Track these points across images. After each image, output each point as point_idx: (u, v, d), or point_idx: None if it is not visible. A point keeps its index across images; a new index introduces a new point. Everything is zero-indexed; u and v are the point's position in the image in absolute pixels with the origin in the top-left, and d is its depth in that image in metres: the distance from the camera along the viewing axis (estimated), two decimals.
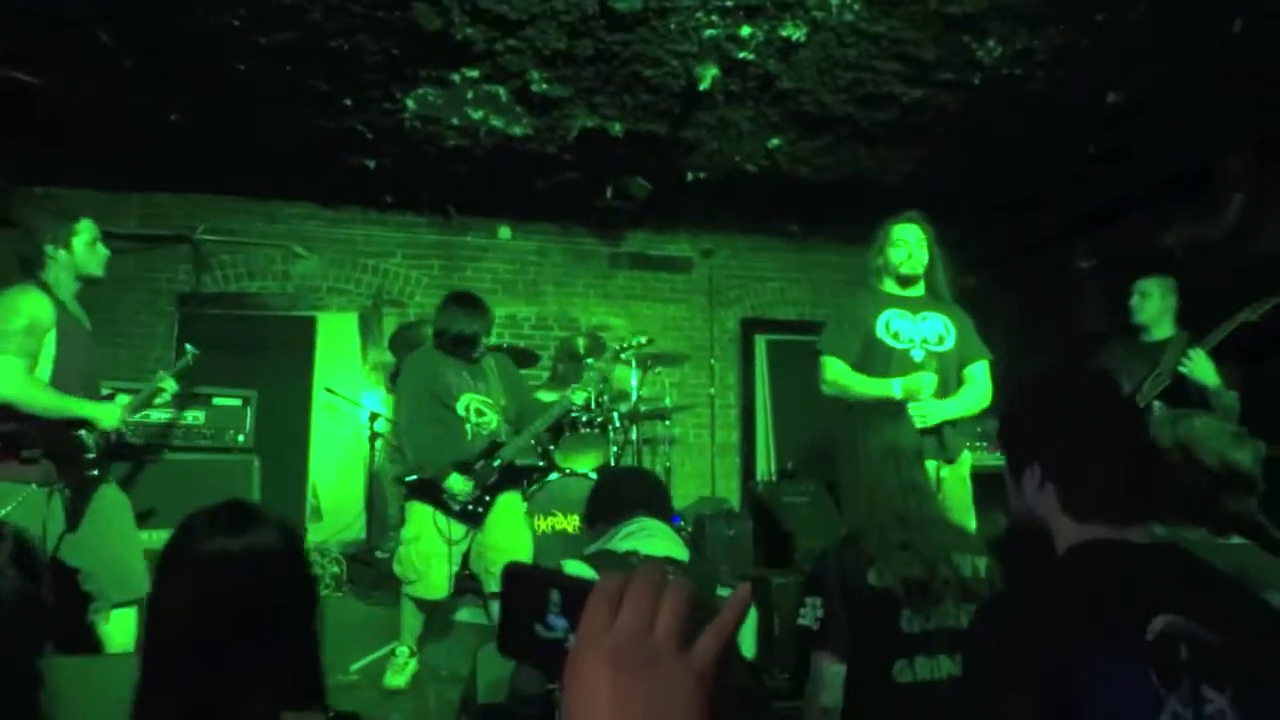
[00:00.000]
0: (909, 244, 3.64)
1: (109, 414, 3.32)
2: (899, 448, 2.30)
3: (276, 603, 1.39)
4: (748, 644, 2.17)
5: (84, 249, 3.35)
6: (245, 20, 3.87)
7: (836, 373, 3.59)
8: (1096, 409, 1.48)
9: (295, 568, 1.46)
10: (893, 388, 3.42)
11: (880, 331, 3.57)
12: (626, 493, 2.44)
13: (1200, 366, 3.93)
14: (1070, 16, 3.88)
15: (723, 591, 2.19)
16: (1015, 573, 2.21)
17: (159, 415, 4.41)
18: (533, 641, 0.66)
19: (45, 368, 3.19)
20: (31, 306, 3.16)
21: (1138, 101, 4.60)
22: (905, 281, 3.66)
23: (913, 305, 3.65)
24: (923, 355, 3.52)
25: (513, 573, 0.69)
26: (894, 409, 2.51)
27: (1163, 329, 4.27)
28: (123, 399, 3.53)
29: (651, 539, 2.22)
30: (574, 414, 5.12)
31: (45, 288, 3.25)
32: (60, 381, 3.21)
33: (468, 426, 3.99)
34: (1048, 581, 1.42)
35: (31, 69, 4.30)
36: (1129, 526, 1.38)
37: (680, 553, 2.24)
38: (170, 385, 3.67)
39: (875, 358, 3.55)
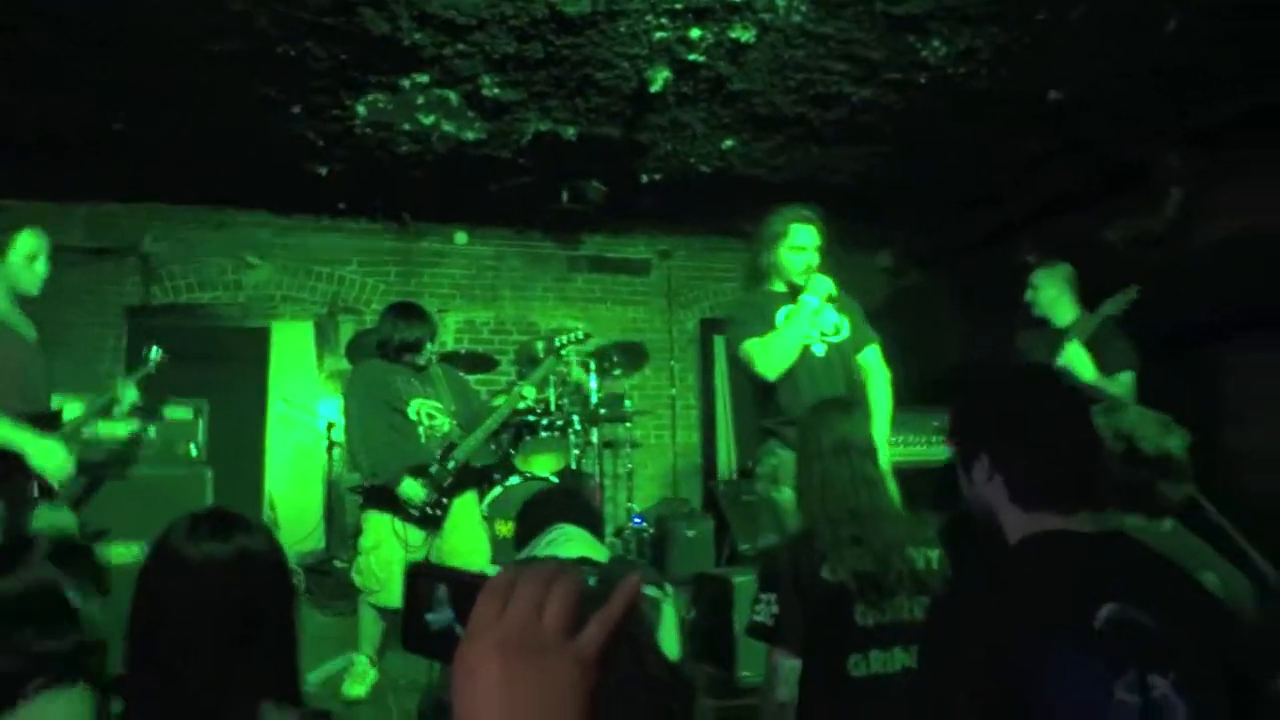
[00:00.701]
0: (807, 250, 3.47)
1: (51, 458, 3.09)
2: (851, 442, 2.34)
3: (263, 603, 1.45)
4: (670, 643, 2.19)
5: (19, 262, 3.21)
6: (190, 27, 3.81)
7: (760, 344, 3.38)
8: (1043, 399, 1.51)
9: (279, 569, 1.52)
10: (805, 303, 3.32)
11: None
12: (545, 507, 2.50)
13: (1074, 358, 3.96)
14: (1012, 16, 3.96)
15: (643, 589, 2.23)
16: (962, 565, 2.25)
17: (117, 429, 4.25)
18: (427, 633, 0.69)
19: None
20: None
21: (1079, 98, 4.70)
22: (796, 290, 3.51)
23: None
24: (824, 349, 3.44)
25: (412, 572, 0.73)
26: (846, 405, 2.54)
27: (1063, 315, 4.30)
28: (74, 408, 3.42)
29: (569, 543, 2.27)
30: (528, 414, 5.11)
31: None
32: (4, 389, 3.06)
33: (420, 430, 3.99)
34: (998, 573, 1.45)
35: None
36: (1075, 515, 1.40)
37: (598, 554, 2.29)
38: (131, 394, 3.52)
39: None
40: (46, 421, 3.26)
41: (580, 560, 2.19)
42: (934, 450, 5.29)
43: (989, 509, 1.50)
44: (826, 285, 3.39)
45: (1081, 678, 1.24)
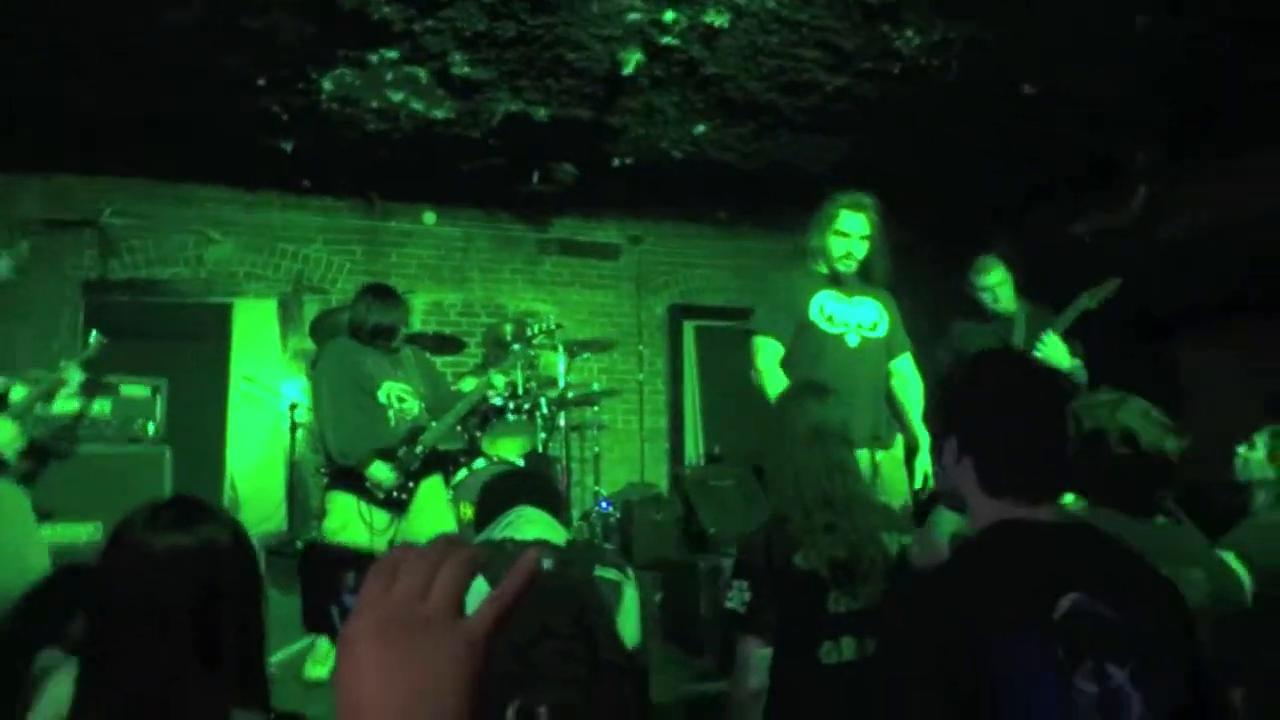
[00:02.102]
0: (851, 238, 3.43)
1: (2, 433, 3.14)
2: (825, 428, 2.32)
3: (227, 598, 1.37)
4: (629, 627, 2.18)
5: (6, 269, 3.24)
6: None
7: (768, 363, 3.40)
8: (1015, 383, 1.49)
9: (245, 563, 1.45)
10: None
11: (814, 314, 3.43)
12: (504, 488, 2.46)
13: (1053, 350, 3.98)
14: (985, 8, 3.97)
15: (602, 572, 2.21)
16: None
17: (63, 406, 4.21)
18: (329, 620, 0.68)
19: None
20: None
21: (1051, 93, 4.74)
22: (838, 276, 3.52)
23: (847, 287, 3.51)
24: (857, 340, 3.43)
25: (311, 551, 0.71)
26: (820, 390, 2.52)
27: (1009, 306, 4.35)
28: (19, 391, 3.37)
29: (527, 525, 2.23)
30: (496, 399, 5.09)
31: None
32: None
33: (390, 413, 3.94)
34: (959, 560, 1.44)
35: None
36: (1041, 503, 1.40)
37: (556, 536, 2.25)
38: (75, 375, 3.51)
39: (808, 342, 3.41)
40: None
41: (537, 543, 2.16)
42: None
43: (957, 491, 1.49)
44: None
45: (1036, 666, 1.24)
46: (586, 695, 1.90)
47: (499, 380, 4.26)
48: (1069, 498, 2.17)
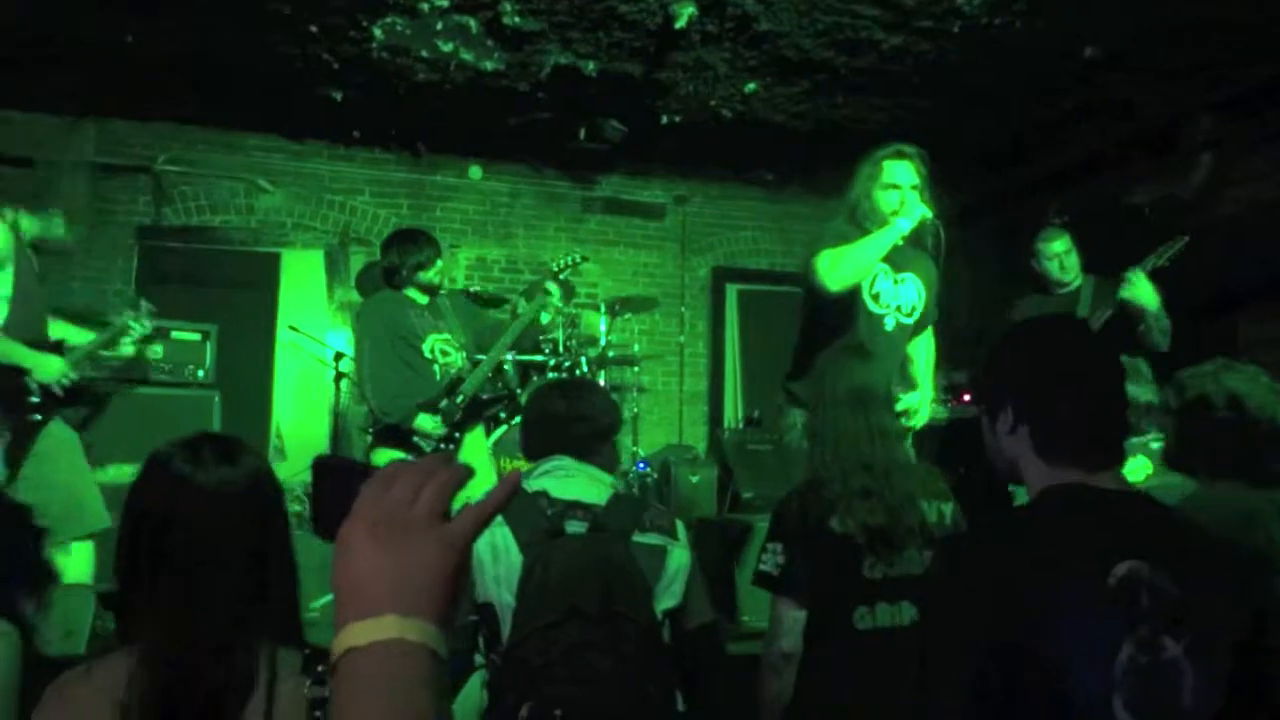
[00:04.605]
0: (901, 189, 3.16)
1: (48, 367, 3.22)
2: (867, 391, 2.28)
3: (272, 531, 1.39)
4: (674, 592, 2.10)
5: (63, 232, 3.32)
6: None
7: (834, 252, 3.10)
8: (1073, 351, 1.46)
9: (280, 498, 1.46)
10: (895, 226, 3.08)
11: (863, 287, 3.19)
12: (548, 427, 2.29)
13: (1140, 288, 3.81)
14: None
15: (641, 539, 2.09)
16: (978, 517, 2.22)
17: (121, 350, 4.30)
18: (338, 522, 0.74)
19: (1, 306, 3.12)
20: None
21: (1114, 56, 4.58)
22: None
23: (895, 261, 3.25)
24: (893, 325, 3.25)
25: (323, 465, 0.81)
26: (863, 352, 2.48)
27: (1075, 276, 4.24)
28: (85, 335, 3.45)
29: (565, 479, 2.14)
30: (536, 354, 5.07)
31: (4, 218, 3.16)
32: (16, 319, 3.13)
33: (435, 368, 3.95)
34: (1012, 523, 1.41)
35: None
36: (1100, 471, 1.36)
37: (595, 493, 2.14)
38: (139, 327, 3.59)
39: (854, 314, 3.20)
40: (50, 350, 3.32)
41: (572, 504, 2.09)
42: (940, 410, 5.25)
43: (1012, 462, 1.45)
44: (921, 210, 3.11)
45: (1088, 632, 1.22)
46: (605, 693, 1.87)
47: (548, 306, 4.18)
48: (1177, 479, 2.11)
